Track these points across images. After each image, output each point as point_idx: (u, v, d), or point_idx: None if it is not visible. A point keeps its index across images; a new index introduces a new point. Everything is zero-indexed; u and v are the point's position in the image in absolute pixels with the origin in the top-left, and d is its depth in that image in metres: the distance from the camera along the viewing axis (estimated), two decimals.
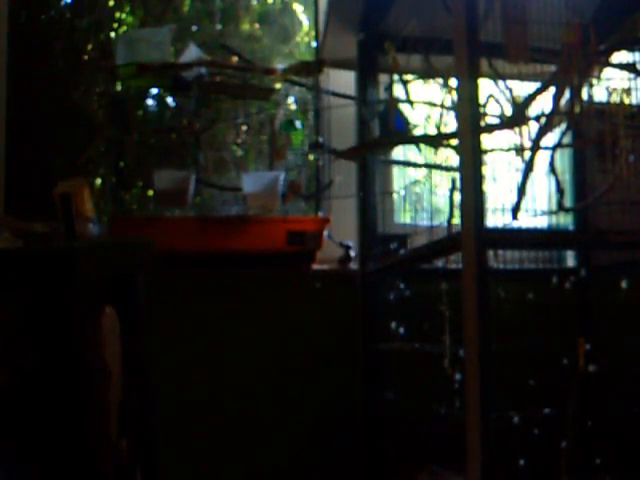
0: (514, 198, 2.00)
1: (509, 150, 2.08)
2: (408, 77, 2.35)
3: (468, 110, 1.77)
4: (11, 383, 1.33)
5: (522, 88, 2.10)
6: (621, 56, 2.15)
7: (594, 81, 2.09)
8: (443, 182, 2.25)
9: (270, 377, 2.49)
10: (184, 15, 3.01)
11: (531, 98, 2.04)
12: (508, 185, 2.07)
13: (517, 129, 2.04)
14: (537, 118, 2.05)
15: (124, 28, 2.97)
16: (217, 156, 2.53)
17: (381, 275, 2.49)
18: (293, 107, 2.62)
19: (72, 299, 1.33)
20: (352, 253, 2.62)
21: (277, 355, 2.50)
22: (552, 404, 2.08)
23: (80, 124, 2.82)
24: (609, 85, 2.08)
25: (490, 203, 2.00)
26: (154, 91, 2.71)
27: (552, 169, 2.12)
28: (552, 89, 2.01)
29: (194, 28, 3.02)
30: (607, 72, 2.11)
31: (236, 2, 3.02)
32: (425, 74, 2.29)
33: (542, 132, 2.02)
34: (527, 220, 2.05)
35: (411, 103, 2.36)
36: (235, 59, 2.56)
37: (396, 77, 2.36)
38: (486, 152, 2.02)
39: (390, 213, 2.61)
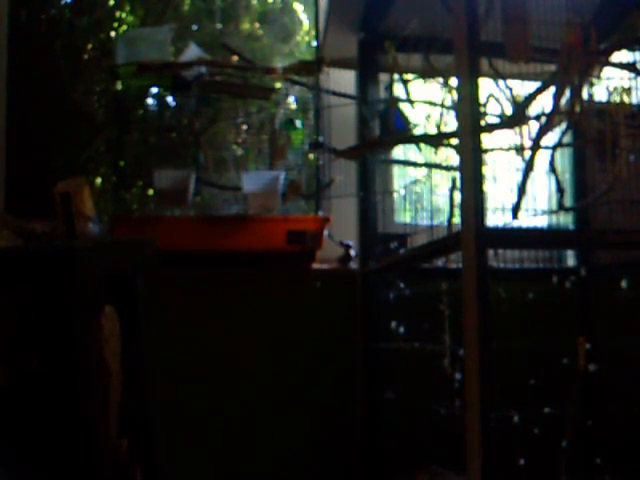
0: (514, 197, 2.00)
1: (509, 149, 2.08)
2: (408, 76, 2.35)
3: (468, 109, 1.77)
4: (11, 383, 1.33)
5: (522, 87, 2.10)
6: (621, 56, 2.15)
7: (594, 80, 2.09)
8: (443, 181, 2.25)
9: (270, 376, 2.49)
10: (184, 14, 3.01)
11: (531, 97, 2.04)
12: (508, 184, 2.07)
13: (517, 128, 2.04)
14: (537, 117, 2.05)
15: (124, 27, 2.97)
16: (217, 155, 2.54)
17: (381, 274, 2.49)
18: (293, 106, 2.62)
19: (72, 299, 1.33)
20: (352, 252, 2.62)
21: (277, 354, 2.50)
22: (552, 404, 2.08)
23: (80, 124, 2.82)
24: (609, 84, 2.08)
25: (490, 202, 2.00)
26: (154, 90, 2.70)
27: (552, 168, 2.12)
28: (552, 88, 2.01)
29: (194, 27, 3.02)
30: (607, 71, 2.11)
31: (236, 1, 3.02)
32: (425, 73, 2.28)
33: (542, 131, 2.02)
34: (527, 219, 2.04)
35: (411, 102, 2.36)
36: (235, 58, 2.56)
37: (396, 76, 2.36)
38: (486, 152, 2.02)
39: (390, 212, 2.61)
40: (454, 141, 2.18)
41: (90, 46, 2.92)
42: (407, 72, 2.33)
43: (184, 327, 2.43)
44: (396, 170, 2.74)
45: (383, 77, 2.59)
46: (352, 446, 2.49)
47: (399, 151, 2.64)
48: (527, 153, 2.02)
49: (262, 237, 2.42)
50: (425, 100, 2.35)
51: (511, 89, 2.08)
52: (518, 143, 2.04)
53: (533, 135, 2.02)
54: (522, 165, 2.01)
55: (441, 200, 2.21)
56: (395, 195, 2.62)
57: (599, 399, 2.48)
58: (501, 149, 2.11)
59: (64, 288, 1.32)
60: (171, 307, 2.40)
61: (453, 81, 2.17)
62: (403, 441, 2.38)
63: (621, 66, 2.11)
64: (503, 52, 1.97)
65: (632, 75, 2.07)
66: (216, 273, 2.46)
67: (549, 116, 2.02)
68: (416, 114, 2.39)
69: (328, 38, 2.58)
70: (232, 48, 2.63)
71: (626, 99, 2.04)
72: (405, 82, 2.34)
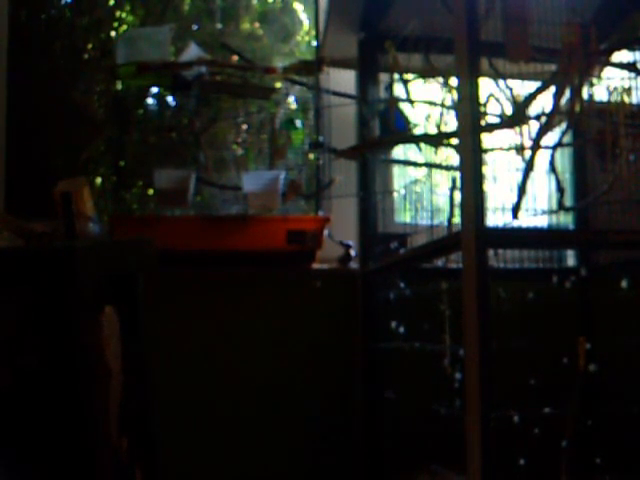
0: (514, 197, 2.00)
1: (509, 149, 2.08)
2: (408, 76, 2.35)
3: (468, 109, 1.77)
4: (11, 383, 1.33)
5: (522, 87, 2.10)
6: (621, 55, 2.15)
7: (594, 80, 2.09)
8: (443, 181, 2.25)
9: (270, 376, 2.49)
10: (184, 14, 3.01)
11: (531, 97, 2.03)
12: (508, 184, 2.07)
13: (517, 128, 2.04)
14: (537, 117, 2.05)
15: (124, 27, 2.97)
16: (217, 155, 2.54)
17: (381, 274, 2.49)
18: (293, 106, 2.62)
19: (72, 299, 1.33)
20: (352, 252, 2.62)
21: (277, 354, 2.50)
22: (552, 404, 2.08)
23: (80, 123, 2.82)
24: (609, 84, 2.08)
25: (490, 202, 2.00)
26: (154, 90, 2.70)
27: (552, 168, 2.12)
28: (552, 88, 2.01)
29: (194, 27, 3.02)
30: (607, 71, 2.11)
31: (236, 1, 3.02)
32: (425, 73, 2.28)
33: (542, 131, 2.02)
34: (527, 219, 2.04)
35: (411, 102, 2.36)
36: (235, 58, 2.56)
37: (396, 76, 2.36)
38: (486, 151, 2.02)
39: (390, 212, 2.61)
40: (454, 141, 2.18)
41: (90, 46, 2.92)
42: (407, 72, 2.33)
43: (184, 327, 2.43)
44: (396, 170, 2.74)
45: (383, 77, 2.59)
46: (352, 446, 2.49)
47: (399, 151, 2.64)
48: (527, 153, 2.01)
49: (262, 237, 2.42)
50: (425, 100, 2.35)
51: (511, 89, 2.08)
52: (518, 143, 2.04)
53: (533, 135, 2.02)
54: (522, 165, 2.01)
55: (441, 200, 2.21)
56: (395, 195, 2.62)
57: (599, 399, 2.48)
58: (501, 149, 2.11)
59: (64, 288, 1.32)
60: (171, 307, 2.40)
61: (453, 81, 2.17)
62: (403, 441, 2.38)
63: (621, 66, 2.11)
64: (503, 52, 1.97)
65: (632, 75, 2.07)
66: (216, 273, 2.46)
67: (549, 116, 2.02)
68: (416, 114, 2.39)
69: (328, 38, 2.58)
70: (232, 48, 2.63)
71: (626, 99, 2.04)
72: (405, 82, 2.34)
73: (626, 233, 1.94)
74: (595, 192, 2.27)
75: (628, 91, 2.04)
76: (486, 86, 2.03)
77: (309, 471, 2.48)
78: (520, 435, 2.07)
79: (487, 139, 2.05)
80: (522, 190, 1.99)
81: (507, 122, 2.04)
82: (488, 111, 2.09)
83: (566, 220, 2.58)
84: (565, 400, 2.20)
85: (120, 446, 1.56)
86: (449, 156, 2.30)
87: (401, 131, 2.37)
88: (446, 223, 2.08)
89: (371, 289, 2.51)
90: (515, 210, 1.99)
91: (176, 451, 2.32)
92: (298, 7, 3.03)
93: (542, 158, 2.09)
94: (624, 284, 2.18)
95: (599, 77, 2.09)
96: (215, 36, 2.96)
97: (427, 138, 2.30)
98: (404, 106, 2.38)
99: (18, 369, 1.33)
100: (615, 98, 2.05)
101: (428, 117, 2.30)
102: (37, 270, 1.33)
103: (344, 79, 2.65)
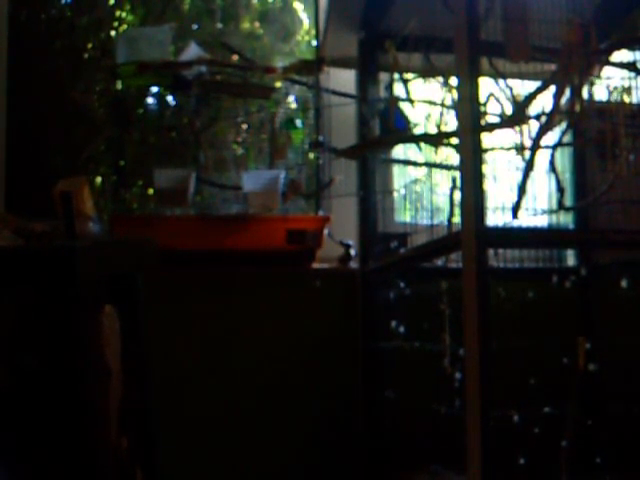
0: (514, 197, 2.00)
1: (509, 149, 2.08)
2: (408, 76, 2.35)
3: (468, 109, 1.77)
4: (11, 382, 1.33)
5: (522, 87, 2.10)
6: (621, 55, 2.15)
7: (594, 80, 2.09)
8: (443, 181, 2.25)
9: (270, 376, 2.49)
10: (184, 13, 3.01)
11: (531, 97, 2.03)
12: (508, 184, 2.07)
13: (517, 128, 2.04)
14: (537, 117, 2.05)
15: (124, 27, 2.96)
16: (217, 155, 2.54)
17: (381, 274, 2.49)
18: (293, 106, 2.62)
19: (72, 298, 1.33)
20: (352, 252, 2.62)
21: (277, 354, 2.50)
22: (552, 404, 2.08)
23: (80, 123, 2.82)
24: (609, 84, 2.08)
25: (490, 202, 2.00)
26: (154, 90, 2.70)
27: (552, 168, 2.12)
28: (552, 88, 2.01)
29: (194, 27, 3.01)
30: (607, 71, 2.11)
31: (236, 0, 3.02)
32: (425, 73, 2.29)
33: (542, 131, 2.02)
34: (527, 219, 2.04)
35: (411, 102, 2.36)
36: (235, 58, 2.56)
37: (396, 76, 2.36)
38: (486, 151, 2.02)
39: (390, 212, 2.61)
40: (454, 140, 2.18)
41: (90, 46, 2.92)
42: (407, 71, 2.33)
43: (184, 327, 2.43)
44: (396, 169, 2.74)
45: (383, 76, 2.59)
46: (352, 446, 2.49)
47: (399, 150, 2.64)
48: (527, 152, 2.01)
49: (262, 236, 2.42)
50: (425, 99, 2.35)
51: (511, 88, 2.08)
52: (518, 142, 2.04)
53: (533, 134, 2.02)
54: (522, 164, 2.01)
55: (441, 199, 2.21)
56: (395, 194, 2.62)
57: (599, 399, 2.48)
58: (501, 148, 2.12)
59: (64, 288, 1.32)
60: (171, 307, 2.40)
61: (453, 80, 2.17)
62: (403, 441, 2.38)
63: (621, 65, 2.11)
64: (503, 51, 1.97)
65: (632, 75, 2.07)
66: (216, 273, 2.46)
67: (549, 115, 2.01)
68: (416, 113, 2.39)
69: (328, 37, 2.58)
70: (232, 47, 2.63)
71: (626, 99, 2.04)
72: (405, 81, 2.34)
73: (626, 233, 1.94)
74: (595, 192, 2.26)
75: (628, 91, 2.04)
76: (486, 86, 2.03)
77: (309, 471, 2.48)
78: (520, 435, 2.07)
79: (487, 139, 2.05)
80: (522, 190, 1.99)
81: (507, 122, 2.04)
82: (488, 111, 2.09)
83: (566, 220, 2.57)
84: (565, 400, 2.20)
85: (120, 446, 1.56)
86: (449, 156, 2.30)
87: (401, 131, 2.37)
88: (446, 223, 2.08)
89: (371, 289, 2.51)
90: (515, 210, 1.99)
91: (176, 451, 2.32)
92: (298, 7, 3.03)
93: (542, 158, 2.09)
94: (624, 284, 2.18)
95: (599, 77, 2.09)
96: (215, 36, 2.96)
97: (427, 138, 2.30)
98: (404, 106, 2.38)
99: (18, 369, 1.33)
100: (615, 98, 2.05)
101: (428, 117, 2.30)
102: (37, 270, 1.33)
103: (344, 79, 2.64)
